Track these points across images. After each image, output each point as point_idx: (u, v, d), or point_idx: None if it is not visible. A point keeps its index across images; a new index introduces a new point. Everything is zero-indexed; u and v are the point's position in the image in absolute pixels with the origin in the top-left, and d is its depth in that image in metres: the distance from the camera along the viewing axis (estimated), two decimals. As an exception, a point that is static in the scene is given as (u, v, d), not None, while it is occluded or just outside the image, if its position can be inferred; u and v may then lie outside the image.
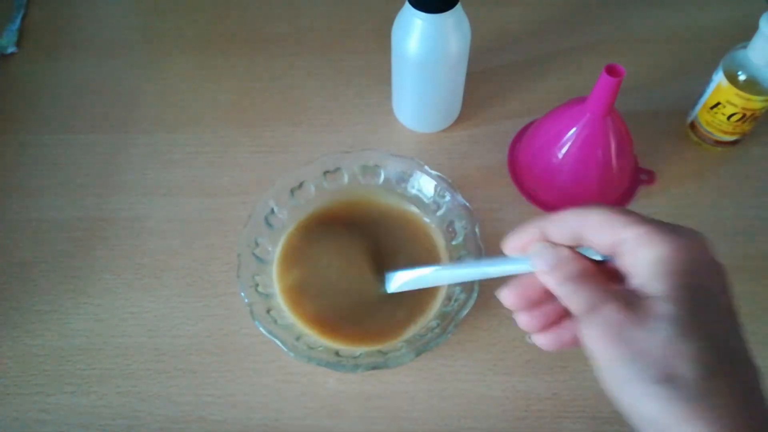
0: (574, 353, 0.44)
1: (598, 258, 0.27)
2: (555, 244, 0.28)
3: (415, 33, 0.46)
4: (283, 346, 0.39)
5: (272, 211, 0.46)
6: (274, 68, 0.60)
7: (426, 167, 0.47)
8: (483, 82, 0.58)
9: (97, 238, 0.50)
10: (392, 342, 0.43)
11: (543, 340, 0.30)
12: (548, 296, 0.29)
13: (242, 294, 0.41)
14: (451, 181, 0.46)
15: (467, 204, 0.45)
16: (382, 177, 0.48)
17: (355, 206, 0.48)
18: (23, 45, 0.63)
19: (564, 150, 0.47)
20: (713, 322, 0.23)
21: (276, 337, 0.40)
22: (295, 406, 0.43)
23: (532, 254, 0.28)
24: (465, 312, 0.41)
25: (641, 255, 0.25)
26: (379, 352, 0.42)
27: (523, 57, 0.61)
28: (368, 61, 0.60)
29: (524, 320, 0.30)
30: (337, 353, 0.41)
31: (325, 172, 0.48)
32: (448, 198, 0.46)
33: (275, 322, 0.41)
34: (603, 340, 0.24)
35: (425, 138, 0.55)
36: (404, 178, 0.48)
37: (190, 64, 0.61)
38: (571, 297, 0.26)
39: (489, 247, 0.43)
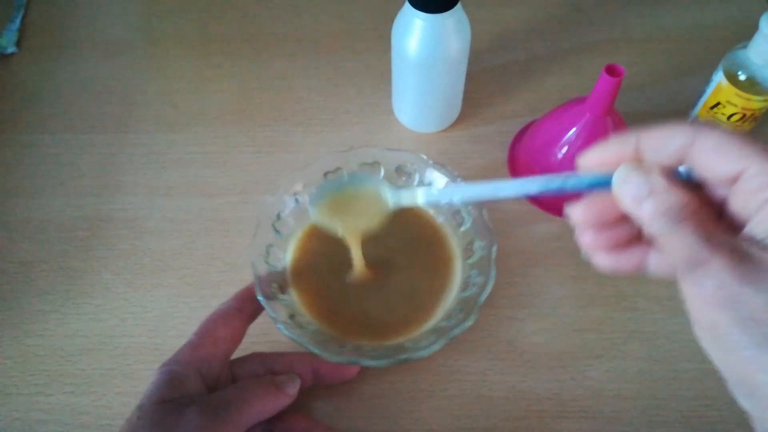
0: (574, 353, 0.44)
1: (683, 175, 0.23)
2: (648, 168, 0.24)
3: (415, 33, 0.46)
4: (316, 349, 0.39)
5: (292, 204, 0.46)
6: (274, 68, 0.60)
7: (435, 163, 0.47)
8: (483, 82, 0.58)
9: (97, 238, 0.50)
10: (418, 332, 0.43)
11: (603, 261, 0.27)
12: (624, 219, 0.25)
13: (265, 304, 0.41)
14: (458, 174, 0.47)
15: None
16: (416, 180, 0.48)
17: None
18: (23, 45, 0.63)
19: (564, 150, 0.47)
20: None
21: (306, 343, 0.40)
22: (295, 406, 0.43)
23: (619, 178, 0.24)
24: (485, 295, 0.41)
25: (764, 196, 0.21)
26: (406, 342, 0.42)
27: (523, 57, 0.61)
28: (368, 61, 0.60)
29: (589, 239, 0.27)
30: (361, 348, 0.42)
31: (361, 164, 0.48)
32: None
33: (300, 327, 0.41)
34: (711, 302, 0.21)
35: (425, 138, 0.55)
36: (410, 174, 0.48)
37: (190, 64, 0.61)
38: (670, 241, 0.22)
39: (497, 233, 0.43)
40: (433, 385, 0.43)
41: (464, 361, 0.44)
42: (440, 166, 0.47)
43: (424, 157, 0.47)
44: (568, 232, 0.50)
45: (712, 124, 0.23)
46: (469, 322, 0.40)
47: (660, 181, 0.23)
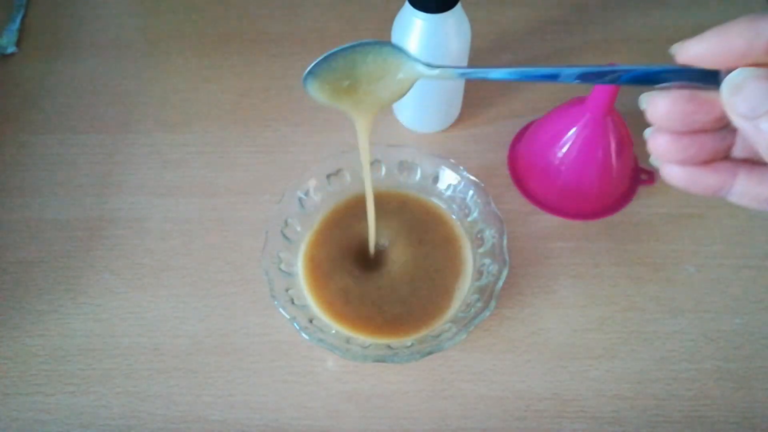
0: (574, 353, 0.44)
1: None
2: None
3: (415, 33, 0.46)
4: (335, 350, 0.39)
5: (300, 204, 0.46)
6: (274, 68, 0.60)
7: (439, 157, 0.47)
8: (483, 82, 0.58)
9: (97, 238, 0.50)
10: (438, 324, 0.43)
11: (676, 175, 0.23)
12: (717, 125, 0.22)
13: (282, 311, 0.41)
14: (462, 168, 0.47)
15: (476, 179, 0.46)
16: (419, 174, 0.49)
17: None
18: (23, 45, 0.63)
19: (564, 150, 0.47)
20: None
21: (324, 343, 0.40)
22: (295, 406, 0.43)
23: (735, 81, 0.19)
24: (501, 282, 0.41)
25: None
26: (430, 337, 0.42)
27: (523, 57, 0.61)
28: (368, 61, 0.60)
29: (664, 143, 0.23)
30: (389, 346, 0.42)
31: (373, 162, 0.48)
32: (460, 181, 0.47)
33: (321, 331, 0.41)
34: None
35: (425, 138, 0.55)
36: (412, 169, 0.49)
37: (190, 64, 0.61)
38: None
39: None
40: (433, 385, 0.43)
41: (464, 361, 0.44)
42: (444, 159, 0.47)
43: (426, 151, 0.47)
44: (569, 231, 0.50)
45: None
46: (489, 310, 0.40)
47: None
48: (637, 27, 0.63)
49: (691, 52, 0.21)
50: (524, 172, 0.52)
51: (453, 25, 0.46)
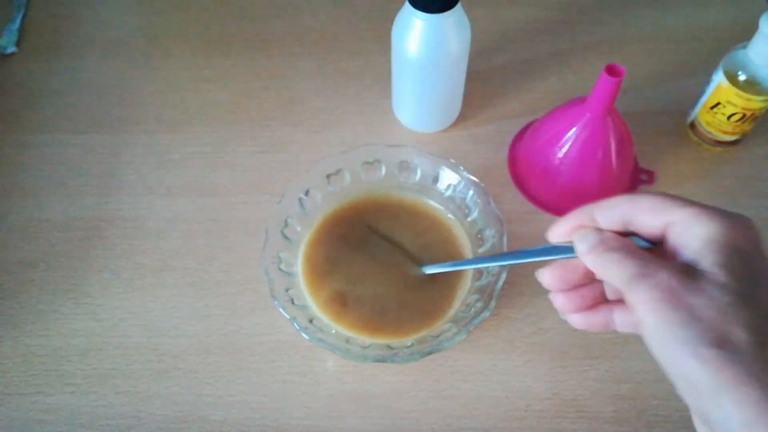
0: (574, 353, 0.44)
1: (644, 245, 0.28)
2: (601, 229, 0.29)
3: (415, 33, 0.46)
4: (335, 351, 0.39)
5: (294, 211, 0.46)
6: (274, 68, 0.60)
7: (438, 156, 0.48)
8: (483, 82, 0.58)
9: (97, 238, 0.50)
10: (438, 325, 0.43)
11: (576, 321, 0.31)
12: (587, 280, 0.31)
13: (282, 311, 0.41)
14: (462, 168, 0.47)
15: (476, 179, 0.46)
16: (419, 174, 0.49)
17: (375, 203, 0.49)
18: (23, 45, 0.63)
19: (564, 150, 0.47)
20: (763, 294, 0.24)
21: (324, 343, 0.40)
22: (295, 406, 0.43)
23: (576, 238, 0.29)
24: (501, 282, 0.41)
25: (694, 231, 0.25)
26: (430, 337, 0.42)
27: (523, 57, 0.61)
28: (368, 61, 0.60)
29: (561, 301, 0.31)
30: (389, 346, 0.42)
31: (365, 162, 0.48)
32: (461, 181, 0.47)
33: (321, 331, 0.41)
34: (656, 304, 0.24)
35: (425, 138, 0.55)
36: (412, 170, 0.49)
37: (190, 64, 0.61)
38: (617, 268, 0.26)
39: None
40: (433, 385, 0.43)
41: (464, 361, 0.44)
42: (444, 159, 0.47)
43: (426, 151, 0.47)
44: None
45: (647, 192, 0.28)
46: (489, 311, 0.40)
47: (609, 234, 0.28)
48: (637, 27, 0.63)
49: (555, 233, 0.30)
50: (524, 172, 0.52)
51: (453, 25, 0.46)
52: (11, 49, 0.62)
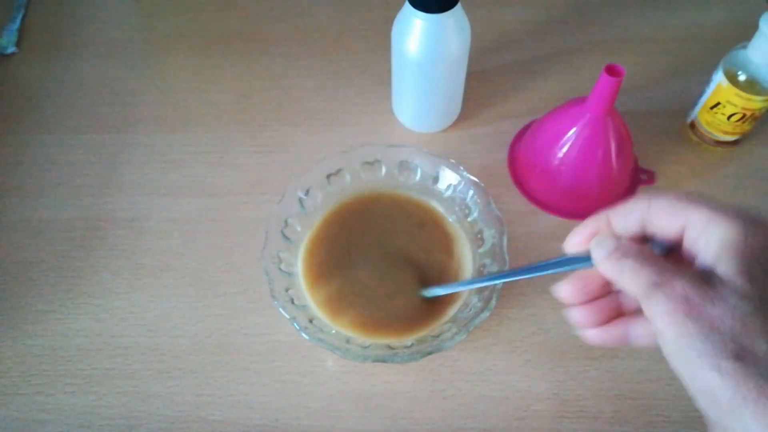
0: (574, 353, 0.44)
1: (661, 251, 0.27)
2: (617, 235, 0.28)
3: (415, 33, 0.46)
4: (335, 350, 0.39)
5: (294, 214, 0.46)
6: (274, 68, 0.60)
7: (438, 156, 0.48)
8: (483, 82, 0.58)
9: (97, 238, 0.50)
10: (438, 325, 0.43)
11: (593, 336, 0.30)
12: (604, 292, 0.30)
13: (282, 311, 0.41)
14: (462, 168, 0.47)
15: (476, 179, 0.46)
16: (419, 174, 0.49)
17: (374, 202, 0.49)
18: (23, 45, 0.63)
19: (564, 150, 0.47)
20: None
21: (324, 343, 0.40)
22: (295, 406, 0.43)
23: (593, 245, 0.28)
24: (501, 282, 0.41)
25: (710, 234, 0.24)
26: (430, 337, 0.42)
27: (523, 57, 0.61)
28: (368, 61, 0.60)
29: (577, 315, 0.30)
30: (389, 346, 0.42)
31: (365, 162, 0.48)
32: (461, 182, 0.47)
33: (321, 331, 0.41)
34: (673, 315, 0.23)
35: (425, 138, 0.55)
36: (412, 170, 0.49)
37: (190, 64, 0.61)
38: (633, 276, 0.25)
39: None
40: (433, 385, 0.43)
41: (464, 361, 0.44)
42: (444, 159, 0.47)
43: (426, 151, 0.47)
44: (569, 231, 0.50)
45: (662, 192, 0.27)
46: (489, 311, 0.40)
47: (626, 241, 0.27)
48: (637, 27, 0.63)
49: (572, 243, 0.30)
50: (524, 172, 0.52)
51: (453, 25, 0.46)
52: (11, 49, 0.62)
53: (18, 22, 0.64)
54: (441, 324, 0.43)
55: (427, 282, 0.44)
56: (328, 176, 0.47)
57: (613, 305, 0.30)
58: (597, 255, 0.27)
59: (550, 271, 0.31)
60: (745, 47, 0.47)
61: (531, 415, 0.42)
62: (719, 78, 0.48)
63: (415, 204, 0.49)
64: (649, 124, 0.55)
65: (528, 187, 0.52)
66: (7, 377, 0.44)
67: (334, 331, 0.42)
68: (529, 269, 0.34)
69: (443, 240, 0.47)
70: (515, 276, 0.37)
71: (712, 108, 0.50)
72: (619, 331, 0.30)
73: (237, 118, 0.57)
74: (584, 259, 0.29)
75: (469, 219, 0.47)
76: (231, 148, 0.55)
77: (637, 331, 0.30)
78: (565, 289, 0.30)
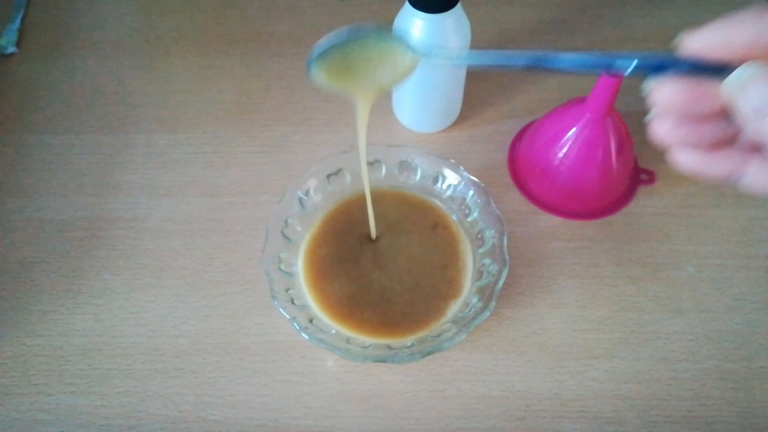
0: (574, 353, 0.44)
1: None
2: None
3: (415, 33, 0.46)
4: (335, 351, 0.39)
5: (287, 220, 0.46)
6: (274, 68, 0.60)
7: (439, 156, 0.48)
8: (483, 82, 0.58)
9: (97, 238, 0.50)
10: (437, 325, 0.43)
11: (687, 159, 0.23)
12: (717, 117, 0.22)
13: (282, 311, 0.41)
14: (462, 168, 0.47)
15: (476, 179, 0.46)
16: (419, 174, 0.49)
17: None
18: (23, 45, 0.63)
19: (564, 150, 0.47)
20: None
21: (324, 343, 0.40)
22: (295, 406, 0.43)
23: (742, 77, 0.20)
24: (501, 282, 0.41)
25: None
26: (430, 337, 0.42)
27: (523, 57, 0.61)
28: (368, 61, 0.60)
29: (667, 128, 0.23)
30: (389, 346, 0.42)
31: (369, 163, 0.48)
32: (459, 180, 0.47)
33: (321, 331, 0.41)
34: None
35: (425, 138, 0.55)
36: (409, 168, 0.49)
37: (190, 64, 0.61)
38: None
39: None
40: (433, 385, 0.43)
41: (464, 361, 0.44)
42: (444, 159, 0.47)
43: (426, 151, 0.47)
44: (569, 231, 0.50)
45: None
46: (489, 311, 0.40)
47: None
48: (637, 27, 0.63)
49: (697, 42, 0.21)
50: (524, 172, 0.52)
51: (453, 25, 0.46)
52: (11, 49, 0.62)
53: (18, 22, 0.64)
54: (441, 324, 0.43)
55: (427, 282, 0.44)
56: (328, 176, 0.48)
57: (725, 133, 0.22)
58: (744, 97, 0.19)
59: (642, 65, 0.22)
60: (745, 47, 0.47)
61: (531, 415, 0.42)
62: (719, 78, 0.48)
63: (414, 203, 0.49)
64: (648, 124, 0.55)
65: (528, 187, 0.52)
66: (7, 377, 0.44)
67: (334, 332, 0.42)
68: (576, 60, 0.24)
69: (443, 239, 0.47)
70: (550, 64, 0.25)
71: (712, 108, 0.50)
72: (728, 161, 0.22)
73: (237, 118, 0.57)
74: (710, 67, 0.20)
75: (469, 219, 0.47)
76: (231, 148, 0.55)
77: (757, 175, 0.22)
78: (668, 90, 0.22)
